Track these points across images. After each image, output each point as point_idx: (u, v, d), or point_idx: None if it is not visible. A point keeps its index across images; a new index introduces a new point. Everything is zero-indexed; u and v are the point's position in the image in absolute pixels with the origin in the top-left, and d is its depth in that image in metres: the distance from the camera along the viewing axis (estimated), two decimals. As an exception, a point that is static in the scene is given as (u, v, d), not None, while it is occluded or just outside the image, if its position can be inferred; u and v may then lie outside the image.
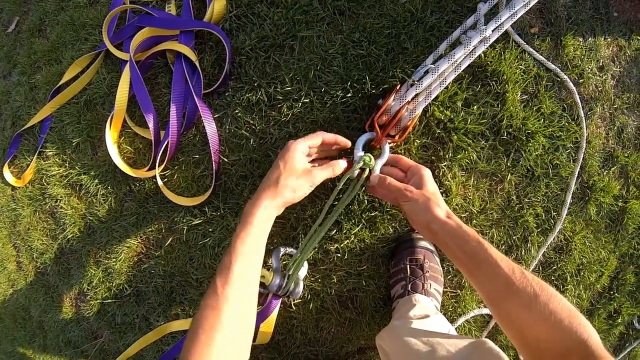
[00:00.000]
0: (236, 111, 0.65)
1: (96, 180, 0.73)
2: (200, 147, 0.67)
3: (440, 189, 0.63)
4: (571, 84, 0.64)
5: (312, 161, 0.57)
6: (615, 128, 0.69)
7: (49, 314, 0.85)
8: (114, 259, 0.74)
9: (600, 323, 0.76)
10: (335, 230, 0.64)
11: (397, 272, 0.63)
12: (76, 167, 0.75)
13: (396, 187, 0.52)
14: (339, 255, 0.65)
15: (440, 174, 0.64)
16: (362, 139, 0.58)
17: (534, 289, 0.40)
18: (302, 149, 0.51)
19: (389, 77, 0.61)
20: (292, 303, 0.68)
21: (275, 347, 0.71)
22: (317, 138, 0.53)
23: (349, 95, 0.61)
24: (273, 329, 0.62)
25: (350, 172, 0.55)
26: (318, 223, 0.57)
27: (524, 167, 0.65)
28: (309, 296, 0.67)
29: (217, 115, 0.66)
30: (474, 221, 0.66)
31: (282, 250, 0.61)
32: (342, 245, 0.65)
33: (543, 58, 0.63)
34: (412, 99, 0.57)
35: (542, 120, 0.64)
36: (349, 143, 0.56)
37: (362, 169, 0.55)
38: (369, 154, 0.56)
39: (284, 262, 0.62)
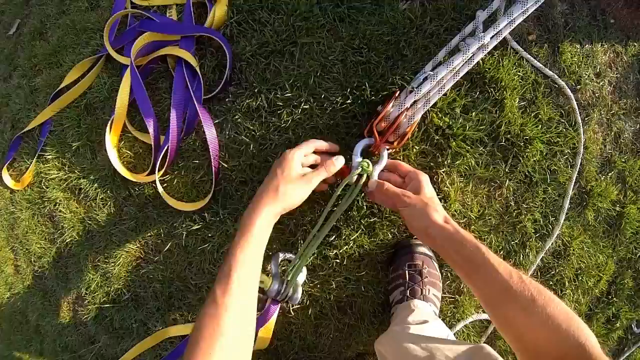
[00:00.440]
0: (236, 117, 0.65)
1: (95, 184, 0.73)
2: (200, 152, 0.68)
3: (438, 195, 0.63)
4: (569, 90, 0.65)
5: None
6: (613, 134, 0.70)
7: (47, 318, 0.85)
8: (113, 264, 0.73)
9: (598, 327, 0.76)
10: (334, 236, 0.64)
11: (395, 278, 0.63)
12: (75, 171, 0.75)
13: (394, 192, 0.52)
14: (337, 261, 0.65)
15: (439, 180, 0.64)
16: (361, 145, 0.58)
17: (532, 293, 0.40)
18: (298, 156, 0.52)
19: (388, 83, 0.61)
20: (291, 308, 0.68)
21: (273, 352, 0.71)
22: (310, 145, 0.55)
23: (349, 101, 0.62)
24: (272, 334, 0.62)
25: (348, 178, 0.55)
26: (317, 229, 0.58)
27: (522, 172, 0.66)
28: (308, 302, 0.67)
29: (217, 121, 0.66)
30: (473, 227, 0.66)
31: (281, 255, 0.61)
32: (341, 251, 0.65)
33: (541, 65, 0.64)
34: (411, 105, 0.57)
35: (540, 126, 0.65)
36: (337, 147, 0.58)
37: (360, 175, 0.55)
38: (367, 160, 0.56)
39: (283, 268, 0.62)
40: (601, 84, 0.68)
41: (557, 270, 0.71)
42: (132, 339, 0.76)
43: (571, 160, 0.67)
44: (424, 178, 0.54)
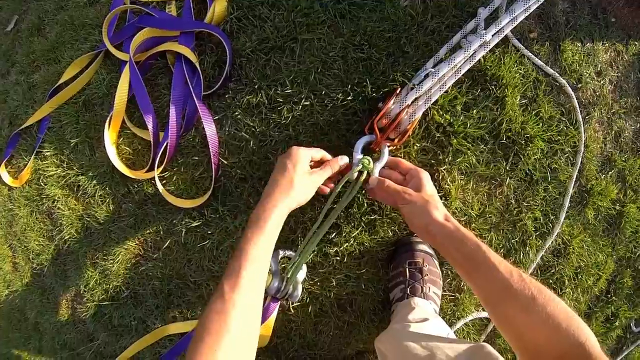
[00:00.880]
0: (236, 113, 0.65)
1: (94, 181, 0.73)
2: (199, 148, 0.67)
3: (439, 193, 0.63)
4: (569, 88, 0.65)
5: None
6: (613, 132, 0.70)
7: (45, 316, 0.84)
8: (111, 261, 0.73)
9: (598, 326, 0.77)
10: (334, 234, 0.64)
11: (396, 276, 0.63)
12: (74, 168, 0.74)
13: (394, 189, 0.52)
14: (338, 258, 0.65)
15: (440, 177, 0.64)
16: (362, 142, 0.58)
17: (532, 291, 0.40)
18: (307, 154, 0.51)
19: (390, 80, 0.61)
20: (291, 306, 0.68)
21: (273, 350, 0.71)
22: (319, 152, 0.54)
23: (350, 98, 0.61)
24: (271, 332, 0.62)
25: (349, 175, 0.55)
26: (316, 226, 0.57)
27: (522, 170, 0.66)
28: (308, 299, 0.67)
29: (216, 117, 0.66)
30: (473, 225, 0.66)
31: (281, 253, 0.61)
32: (341, 248, 0.65)
33: (542, 63, 0.64)
34: (412, 102, 0.57)
35: (541, 124, 0.65)
36: (346, 159, 0.56)
37: (361, 172, 0.55)
38: (368, 157, 0.56)
39: (283, 265, 0.62)
40: (602, 82, 0.68)
41: (557, 269, 0.71)
42: (131, 336, 0.75)
43: (572, 159, 0.67)
44: (425, 175, 0.54)
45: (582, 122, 0.65)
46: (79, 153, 0.74)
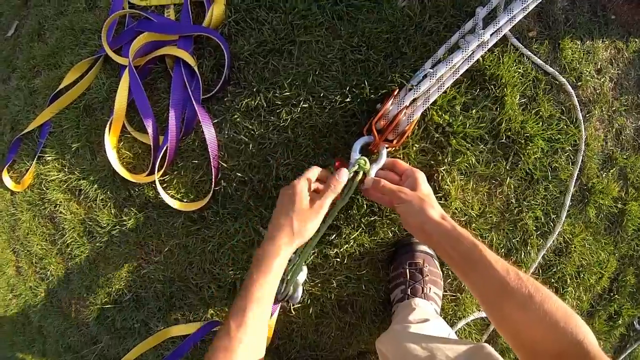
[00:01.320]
0: (235, 116, 0.65)
1: (95, 185, 0.73)
2: (199, 152, 0.67)
3: (439, 193, 0.63)
4: (569, 86, 0.65)
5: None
6: (614, 130, 0.69)
7: (49, 319, 0.85)
8: (114, 264, 0.74)
9: (600, 325, 0.76)
10: (334, 235, 0.64)
11: (396, 277, 0.63)
12: (75, 172, 0.75)
13: (390, 189, 0.52)
14: (338, 259, 0.65)
15: (439, 178, 0.64)
16: (360, 142, 0.58)
17: (529, 290, 0.40)
18: (305, 186, 0.51)
19: (388, 81, 0.61)
20: (292, 307, 0.68)
21: (275, 351, 0.71)
22: (314, 172, 0.54)
23: (348, 100, 0.61)
24: (273, 333, 0.62)
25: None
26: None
27: (523, 170, 0.65)
28: (309, 300, 0.67)
29: (216, 121, 0.66)
30: (473, 225, 0.66)
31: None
32: (341, 249, 0.65)
33: (541, 61, 0.64)
34: (411, 103, 0.57)
35: (541, 123, 0.64)
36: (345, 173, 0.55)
37: (357, 172, 0.55)
38: (365, 158, 0.55)
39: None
40: (602, 80, 0.67)
41: (558, 268, 0.70)
42: (134, 339, 0.76)
43: (572, 157, 0.67)
44: (420, 175, 0.54)
45: (582, 121, 0.65)
46: (80, 157, 0.75)
